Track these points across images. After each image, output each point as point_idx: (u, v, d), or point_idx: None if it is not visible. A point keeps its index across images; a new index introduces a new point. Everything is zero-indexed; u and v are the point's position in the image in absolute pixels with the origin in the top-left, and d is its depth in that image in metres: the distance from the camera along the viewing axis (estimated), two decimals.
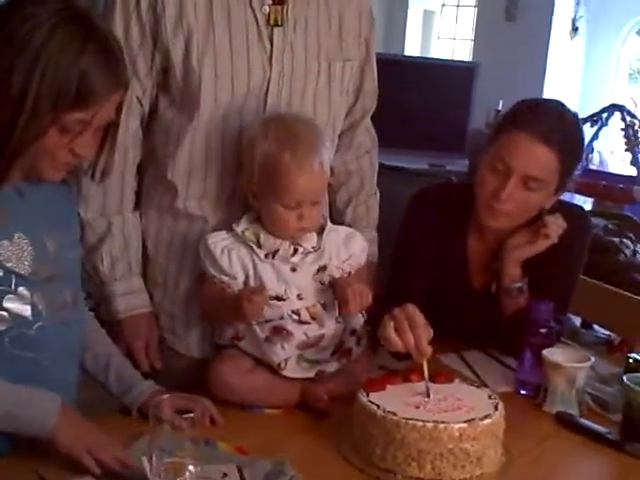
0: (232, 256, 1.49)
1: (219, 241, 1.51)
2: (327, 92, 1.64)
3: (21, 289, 1.26)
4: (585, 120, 4.48)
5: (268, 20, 1.53)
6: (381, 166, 1.90)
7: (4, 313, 1.25)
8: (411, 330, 1.39)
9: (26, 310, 1.27)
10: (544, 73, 5.00)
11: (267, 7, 1.53)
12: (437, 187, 1.91)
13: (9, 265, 1.24)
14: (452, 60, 5.45)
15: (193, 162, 1.57)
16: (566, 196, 1.85)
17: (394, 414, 1.26)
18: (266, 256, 1.49)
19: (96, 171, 1.56)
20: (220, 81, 1.52)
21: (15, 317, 1.25)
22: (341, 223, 1.72)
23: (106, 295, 1.60)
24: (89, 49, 1.21)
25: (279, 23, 1.54)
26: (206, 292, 1.53)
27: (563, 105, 1.69)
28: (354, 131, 1.79)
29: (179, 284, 1.64)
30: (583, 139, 1.73)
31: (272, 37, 1.54)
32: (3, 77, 1.18)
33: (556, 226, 1.66)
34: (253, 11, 1.52)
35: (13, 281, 1.25)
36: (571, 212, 1.72)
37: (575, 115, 1.71)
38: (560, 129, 1.62)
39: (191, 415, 1.17)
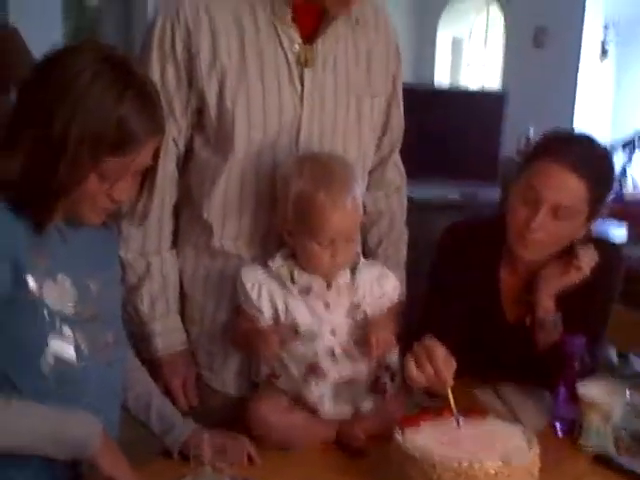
0: (262, 291, 1.52)
1: (252, 275, 1.54)
2: (357, 128, 1.66)
3: (65, 329, 1.28)
4: (617, 144, 4.45)
5: (298, 59, 1.57)
6: (410, 201, 1.91)
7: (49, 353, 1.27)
8: (430, 363, 1.40)
9: (70, 350, 1.29)
10: (574, 98, 4.97)
11: (297, 46, 1.56)
12: (468, 220, 1.92)
13: (53, 306, 1.26)
14: (482, 89, 5.47)
15: (228, 201, 1.59)
16: (599, 222, 1.83)
17: (430, 453, 1.27)
18: (300, 292, 1.51)
19: (135, 215, 1.59)
20: (252, 119, 1.54)
21: (59, 357, 1.28)
22: None
23: (146, 334, 1.62)
24: (128, 96, 1.23)
25: (309, 63, 1.57)
26: (238, 323, 1.56)
27: (593, 138, 1.71)
28: (384, 167, 1.81)
29: (216, 320, 1.66)
30: (613, 169, 1.74)
31: (303, 78, 1.57)
32: (44, 123, 1.21)
33: (588, 258, 1.66)
34: (284, 50, 1.56)
35: (57, 321, 1.27)
36: (602, 246, 1.72)
37: (605, 147, 1.72)
38: (590, 159, 1.63)
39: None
